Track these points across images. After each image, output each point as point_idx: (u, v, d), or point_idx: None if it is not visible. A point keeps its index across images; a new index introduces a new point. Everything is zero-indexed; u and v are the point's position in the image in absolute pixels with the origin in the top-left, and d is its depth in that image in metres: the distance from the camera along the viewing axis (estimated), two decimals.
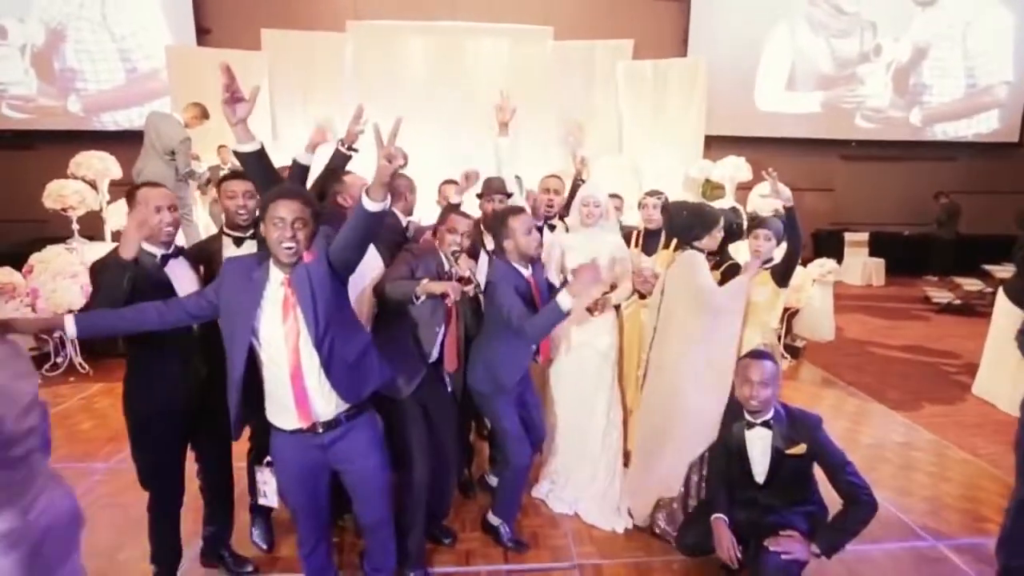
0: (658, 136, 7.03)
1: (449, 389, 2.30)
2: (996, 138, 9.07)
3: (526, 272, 2.24)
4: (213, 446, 1.98)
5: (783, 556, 1.78)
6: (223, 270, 1.64)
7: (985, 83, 8.84)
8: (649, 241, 2.94)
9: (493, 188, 2.64)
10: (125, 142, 5.68)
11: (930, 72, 8.78)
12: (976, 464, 3.15)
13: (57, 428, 3.48)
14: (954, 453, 3.27)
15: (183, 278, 1.82)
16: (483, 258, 2.37)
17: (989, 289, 6.16)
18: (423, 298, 1.92)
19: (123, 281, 1.59)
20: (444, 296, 1.92)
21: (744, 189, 6.51)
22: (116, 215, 4.97)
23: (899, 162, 9.14)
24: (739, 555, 1.88)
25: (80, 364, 4.25)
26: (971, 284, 6.61)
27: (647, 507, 2.42)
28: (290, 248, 1.54)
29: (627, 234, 3.09)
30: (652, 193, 3.03)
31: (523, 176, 3.33)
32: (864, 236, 8.46)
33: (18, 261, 4.42)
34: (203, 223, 5.34)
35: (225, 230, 2.06)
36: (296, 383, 1.59)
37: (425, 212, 2.93)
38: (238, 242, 2.03)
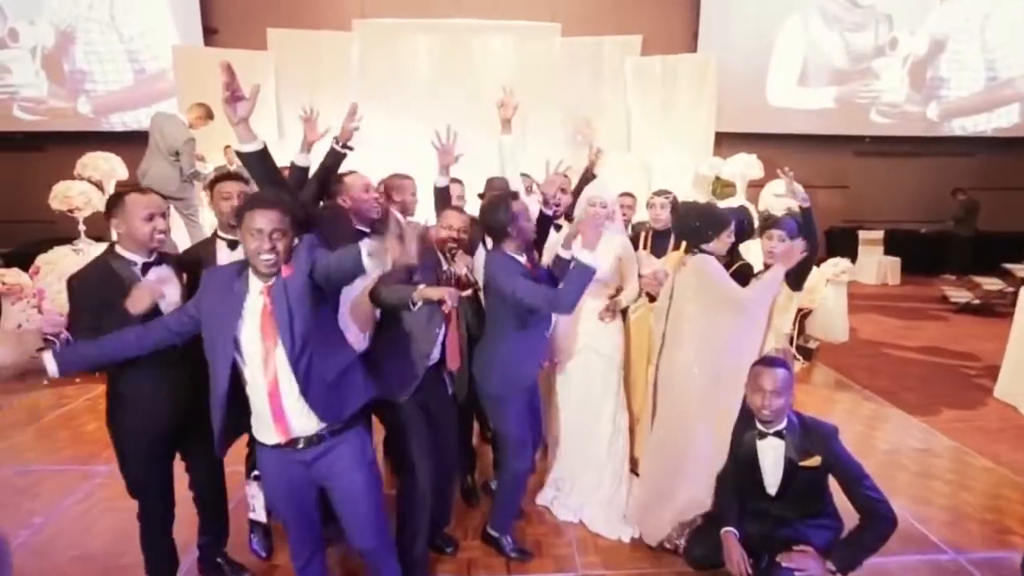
0: (667, 133, 6.93)
1: (451, 391, 2.24)
2: (1016, 132, 8.82)
3: (522, 259, 2.17)
4: (202, 459, 1.93)
5: (797, 574, 1.70)
6: (203, 281, 1.59)
7: (1005, 76, 8.59)
8: (658, 242, 2.86)
9: (495, 188, 2.58)
10: (134, 143, 5.69)
11: (948, 66, 8.55)
12: (998, 472, 3.03)
13: (62, 429, 3.55)
14: (975, 460, 3.15)
15: (166, 288, 1.76)
16: (480, 254, 2.30)
17: (1010, 288, 5.99)
18: (420, 304, 1.86)
19: (93, 322, 1.59)
20: (441, 302, 1.86)
21: (755, 187, 6.38)
22: None
23: (915, 158, 8.93)
24: (750, 570, 1.80)
25: None
26: (991, 283, 6.43)
27: (660, 531, 2.30)
28: (269, 259, 1.49)
29: (636, 234, 3.01)
30: (660, 193, 2.95)
31: (531, 173, 3.26)
32: (879, 234, 8.28)
33: (27, 262, 4.44)
34: (209, 223, 5.33)
35: (219, 233, 2.01)
36: (273, 399, 1.54)
37: (429, 212, 2.88)
38: (232, 246, 1.97)
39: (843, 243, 7.92)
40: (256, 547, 2.30)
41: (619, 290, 2.60)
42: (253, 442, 1.68)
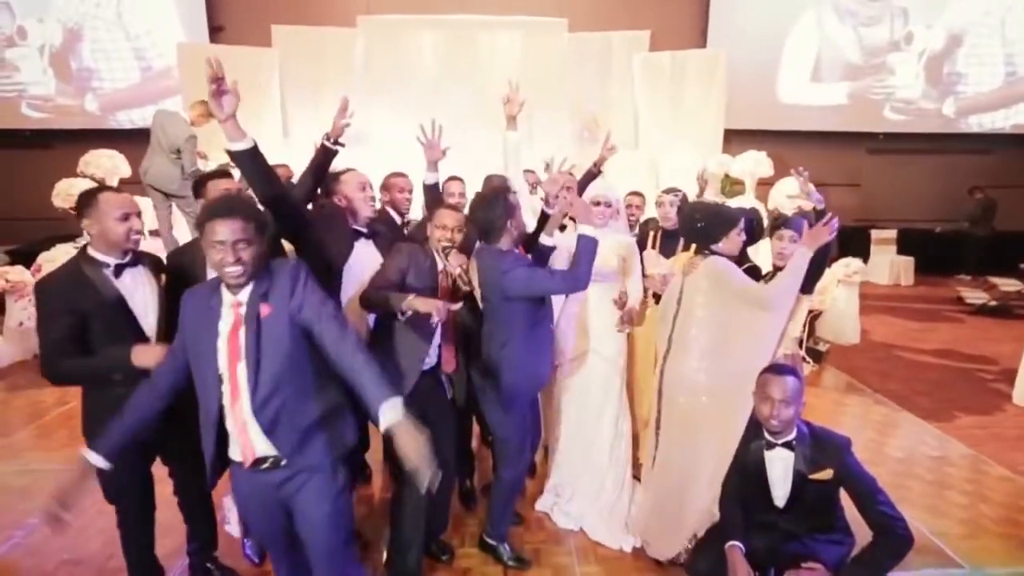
0: (676, 130, 6.83)
1: (449, 395, 2.18)
2: None
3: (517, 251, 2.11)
4: (185, 466, 1.88)
5: None
6: (182, 304, 1.49)
7: None
8: (667, 241, 2.78)
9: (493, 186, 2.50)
10: (140, 140, 5.68)
11: (965, 61, 8.35)
12: (1017, 483, 2.91)
13: (62, 428, 3.53)
14: (993, 469, 3.04)
15: (139, 290, 1.70)
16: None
17: None
18: (409, 313, 1.79)
19: (67, 330, 1.56)
20: (429, 315, 1.79)
21: (765, 185, 6.26)
22: None
23: (930, 155, 8.73)
24: None
25: None
26: (1008, 284, 6.27)
27: (670, 549, 2.21)
28: (234, 271, 1.40)
29: (644, 233, 2.93)
30: (670, 191, 2.86)
31: (537, 170, 3.19)
32: (892, 233, 8.11)
33: (32, 259, 4.46)
34: None
35: None
36: (237, 417, 1.45)
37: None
38: None
39: (855, 243, 7.73)
40: (249, 552, 2.26)
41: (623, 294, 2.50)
42: None
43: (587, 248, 1.93)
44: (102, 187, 1.74)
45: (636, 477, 2.63)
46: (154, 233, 4.51)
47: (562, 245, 2.49)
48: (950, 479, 2.95)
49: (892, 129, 8.59)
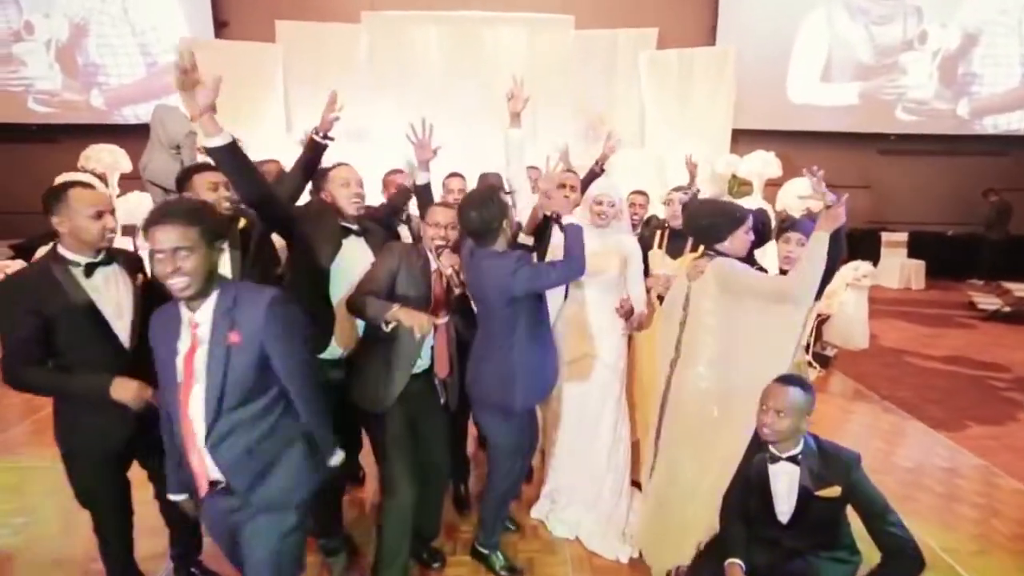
0: (683, 129, 6.73)
1: (442, 400, 2.12)
2: None
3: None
4: (163, 472, 1.82)
5: None
6: (151, 325, 1.41)
7: None
8: (674, 241, 2.70)
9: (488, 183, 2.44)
10: (145, 136, 5.66)
11: (981, 61, 8.17)
12: None
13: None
14: (1005, 482, 2.94)
15: (112, 291, 1.62)
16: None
17: None
18: (393, 324, 1.72)
19: (33, 332, 1.51)
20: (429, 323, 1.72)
21: (773, 186, 6.15)
22: (124, 208, 4.95)
23: (943, 157, 8.57)
24: None
25: None
26: (1022, 290, 6.12)
27: (670, 562, 2.12)
28: (176, 284, 1.29)
29: (652, 230, 2.86)
30: (679, 188, 2.78)
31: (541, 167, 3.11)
32: (903, 236, 7.96)
33: (34, 254, 4.44)
34: None
35: None
36: (188, 439, 1.36)
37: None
38: None
39: (865, 245, 7.61)
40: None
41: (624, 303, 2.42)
42: None
43: (575, 235, 1.91)
44: (72, 183, 1.65)
45: (635, 484, 2.57)
46: None
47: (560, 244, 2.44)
48: (960, 491, 2.85)
49: (904, 130, 8.43)
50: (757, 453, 1.76)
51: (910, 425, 3.60)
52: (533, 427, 2.29)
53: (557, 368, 2.16)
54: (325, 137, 2.00)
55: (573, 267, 1.90)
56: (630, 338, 2.59)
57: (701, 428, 2.00)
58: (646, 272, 2.56)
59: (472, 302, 2.04)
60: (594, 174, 2.90)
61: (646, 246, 2.70)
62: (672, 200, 2.75)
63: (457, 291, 1.97)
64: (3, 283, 1.62)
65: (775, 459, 1.69)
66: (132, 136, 5.96)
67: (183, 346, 1.35)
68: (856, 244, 7.88)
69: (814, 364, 4.43)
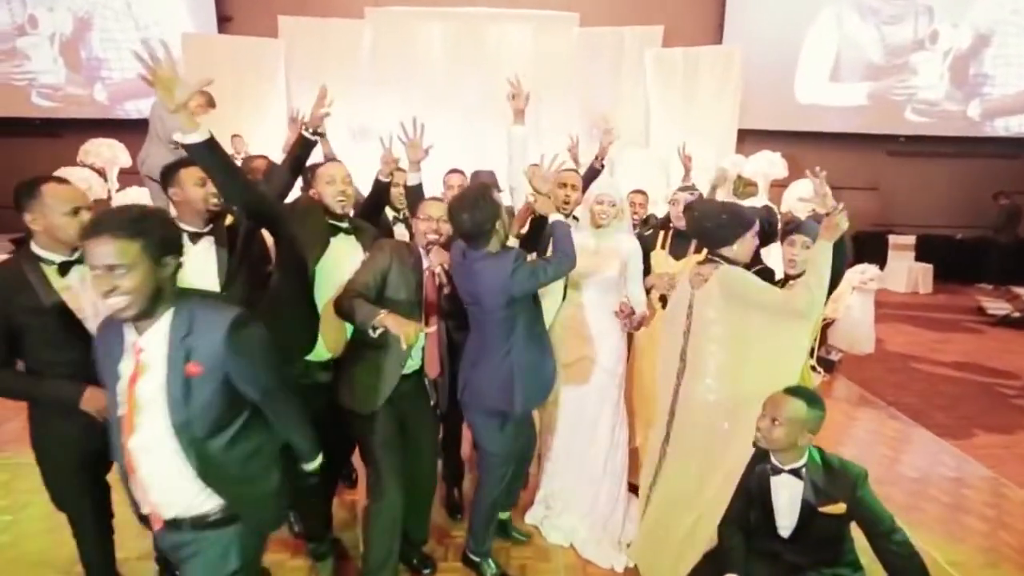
0: (688, 128, 6.63)
1: (432, 401, 2.07)
2: None
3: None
4: None
5: None
6: (94, 344, 1.30)
7: None
8: (678, 242, 2.63)
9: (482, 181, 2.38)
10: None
11: (993, 61, 8.04)
12: None
13: None
14: (1014, 493, 2.86)
15: (89, 291, 1.54)
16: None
17: None
18: (380, 330, 1.66)
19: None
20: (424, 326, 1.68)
21: (778, 187, 6.06)
22: (123, 203, 4.93)
23: (953, 159, 8.45)
24: None
25: None
26: None
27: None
28: (114, 304, 1.15)
29: (656, 230, 2.80)
30: (684, 188, 2.71)
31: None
32: (910, 239, 7.85)
33: None
34: None
35: (177, 223, 1.83)
36: (129, 467, 1.25)
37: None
38: (194, 238, 1.81)
39: (872, 248, 7.51)
40: None
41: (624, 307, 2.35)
42: None
43: (562, 231, 1.92)
44: (44, 178, 1.58)
45: (632, 489, 2.51)
46: None
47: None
48: (968, 502, 2.77)
49: (914, 131, 8.32)
50: (759, 464, 1.70)
51: (916, 432, 3.52)
52: (529, 434, 2.24)
53: (555, 369, 2.10)
54: (314, 133, 1.95)
55: (564, 262, 1.88)
56: (630, 342, 2.53)
57: (711, 441, 1.91)
58: (647, 273, 2.50)
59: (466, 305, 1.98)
60: (594, 171, 2.83)
61: (648, 246, 2.64)
62: (678, 200, 2.68)
63: (445, 290, 1.91)
64: None
65: (777, 471, 1.63)
66: (135, 131, 5.92)
67: (126, 370, 1.22)
68: (863, 247, 7.82)
69: (818, 368, 4.33)
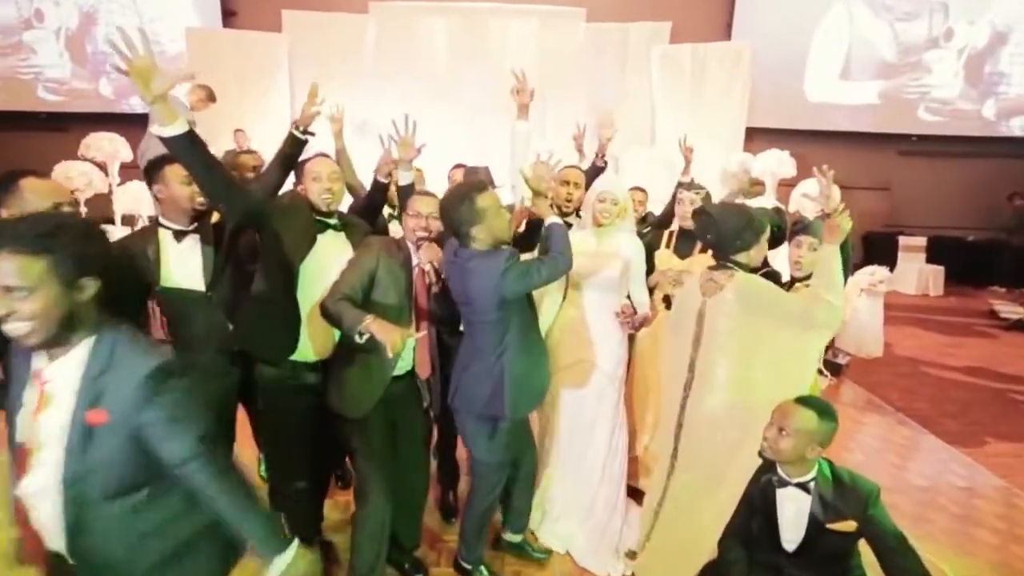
0: (695, 126, 6.53)
1: (426, 403, 2.02)
2: None
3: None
4: None
5: None
6: (6, 362, 1.15)
7: None
8: (683, 242, 2.56)
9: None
10: None
11: (1010, 59, 7.87)
12: None
13: None
14: None
15: None
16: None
17: None
18: (367, 336, 1.61)
19: None
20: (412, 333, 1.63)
21: (786, 186, 5.96)
22: (124, 197, 4.92)
23: (966, 159, 8.29)
24: None
25: None
26: None
27: None
28: (12, 329, 0.98)
29: (654, 231, 2.73)
30: (691, 187, 2.64)
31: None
32: (921, 240, 7.72)
33: None
34: None
35: (162, 221, 1.78)
36: (21, 520, 1.08)
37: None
38: (179, 236, 1.76)
39: (881, 249, 7.40)
40: None
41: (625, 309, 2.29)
42: None
43: (557, 231, 1.86)
44: (23, 172, 1.52)
45: (632, 494, 2.45)
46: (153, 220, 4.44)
47: (576, 247, 2.32)
48: (979, 513, 2.69)
49: (926, 131, 8.16)
50: (764, 475, 1.63)
51: (925, 440, 3.44)
52: (529, 449, 2.17)
53: (549, 374, 2.04)
54: (305, 132, 1.89)
55: (559, 263, 1.82)
56: (631, 344, 2.46)
57: (720, 454, 1.84)
58: (650, 272, 2.44)
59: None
60: (596, 168, 2.77)
61: (651, 246, 2.57)
62: (684, 199, 2.61)
63: (435, 288, 1.86)
64: None
65: (783, 483, 1.56)
66: (140, 125, 5.90)
67: (29, 400, 1.05)
68: (872, 248, 7.71)
69: (825, 372, 4.26)
